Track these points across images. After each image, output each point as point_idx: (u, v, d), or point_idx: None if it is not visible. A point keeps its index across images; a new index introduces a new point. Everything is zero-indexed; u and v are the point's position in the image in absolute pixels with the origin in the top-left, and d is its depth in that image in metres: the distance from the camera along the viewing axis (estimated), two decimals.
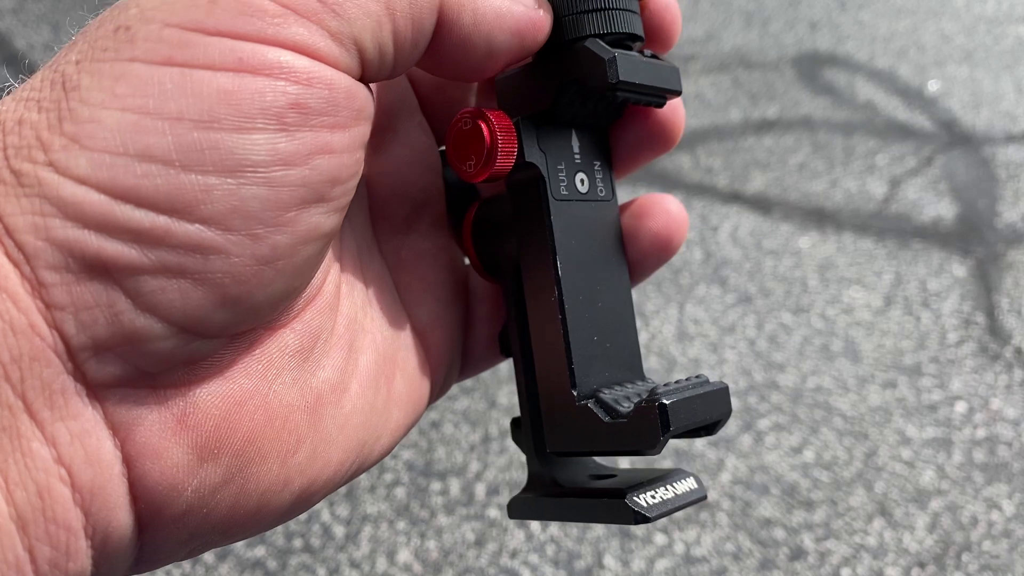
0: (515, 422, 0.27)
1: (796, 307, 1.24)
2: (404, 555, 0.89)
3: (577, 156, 0.26)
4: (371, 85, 0.21)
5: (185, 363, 0.19)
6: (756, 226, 1.41)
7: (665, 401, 0.22)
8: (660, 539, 0.91)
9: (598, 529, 0.92)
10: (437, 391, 0.27)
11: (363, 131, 0.20)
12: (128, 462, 0.18)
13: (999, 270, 1.33)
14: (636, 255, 0.27)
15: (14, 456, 0.17)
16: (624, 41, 0.24)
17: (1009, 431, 1.05)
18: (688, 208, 1.44)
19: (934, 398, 1.10)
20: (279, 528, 0.91)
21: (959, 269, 1.33)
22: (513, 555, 0.89)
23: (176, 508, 0.19)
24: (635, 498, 0.23)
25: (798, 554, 0.91)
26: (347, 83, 0.19)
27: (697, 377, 0.24)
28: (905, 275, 1.31)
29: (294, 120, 0.18)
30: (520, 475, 0.97)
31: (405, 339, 0.25)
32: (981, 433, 1.05)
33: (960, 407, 1.09)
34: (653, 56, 0.25)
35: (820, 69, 1.91)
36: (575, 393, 0.24)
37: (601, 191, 0.26)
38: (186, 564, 0.87)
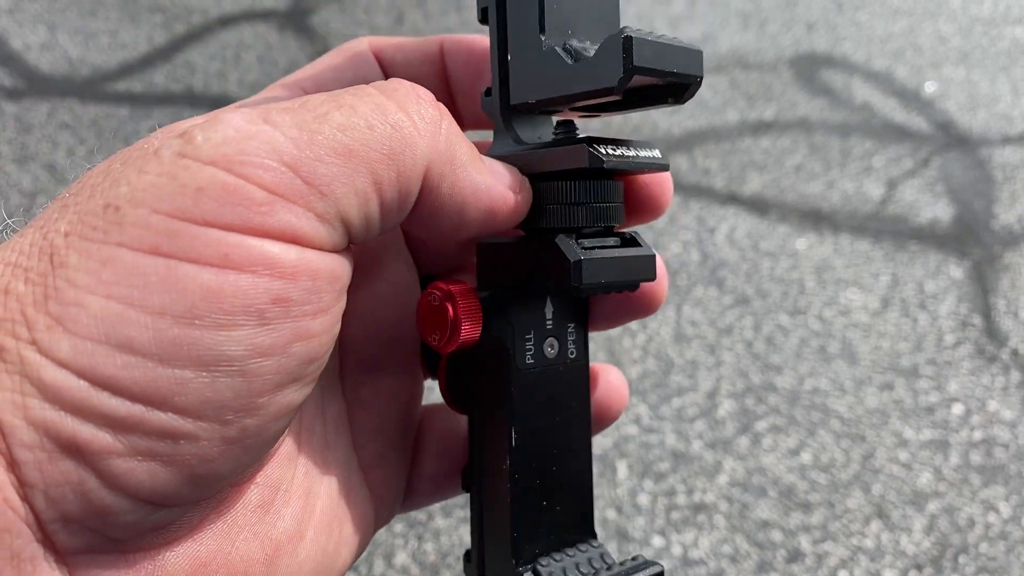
0: (467, 555, 0.28)
1: (793, 309, 1.24)
2: (401, 558, 0.89)
3: (549, 322, 0.26)
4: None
5: (152, 529, 0.19)
6: (753, 228, 1.41)
7: None
8: (658, 541, 0.91)
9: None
10: (381, 524, 0.27)
11: (342, 305, 0.20)
12: None
13: (996, 272, 1.33)
14: None
15: None
16: (600, 233, 0.24)
17: (1006, 433, 1.06)
18: (685, 210, 1.44)
19: (931, 400, 1.10)
20: None
21: (956, 271, 1.33)
22: None
23: None
24: None
25: (795, 556, 0.91)
26: (331, 265, 0.19)
27: (633, 559, 0.25)
28: (902, 277, 1.31)
29: (275, 314, 0.18)
30: None
31: (355, 479, 0.26)
32: (978, 435, 1.05)
33: (957, 409, 1.09)
34: (631, 237, 0.25)
35: (817, 70, 1.91)
36: (514, 562, 0.24)
37: (572, 352, 0.26)
38: None
